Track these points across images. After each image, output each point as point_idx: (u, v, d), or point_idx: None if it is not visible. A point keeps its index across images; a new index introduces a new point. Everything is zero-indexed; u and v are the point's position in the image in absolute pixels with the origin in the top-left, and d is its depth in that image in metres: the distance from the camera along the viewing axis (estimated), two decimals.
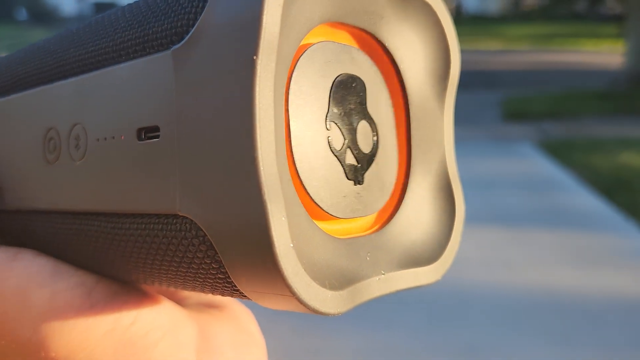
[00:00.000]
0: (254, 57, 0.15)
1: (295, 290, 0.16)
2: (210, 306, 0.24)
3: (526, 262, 1.98)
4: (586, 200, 2.63)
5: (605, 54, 9.24)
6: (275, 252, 0.15)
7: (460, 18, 18.36)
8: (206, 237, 0.17)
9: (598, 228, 2.30)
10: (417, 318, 1.62)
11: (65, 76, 0.22)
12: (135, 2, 0.21)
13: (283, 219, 0.15)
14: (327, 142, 0.18)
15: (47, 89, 0.22)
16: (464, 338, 1.55)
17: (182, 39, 0.17)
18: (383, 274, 0.19)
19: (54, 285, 0.21)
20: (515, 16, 19.80)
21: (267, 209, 0.15)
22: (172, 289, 0.24)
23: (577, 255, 2.03)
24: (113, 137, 0.19)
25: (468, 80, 6.41)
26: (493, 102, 5.25)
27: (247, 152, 0.15)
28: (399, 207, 0.21)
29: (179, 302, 0.24)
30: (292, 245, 0.15)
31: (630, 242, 2.17)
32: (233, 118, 0.15)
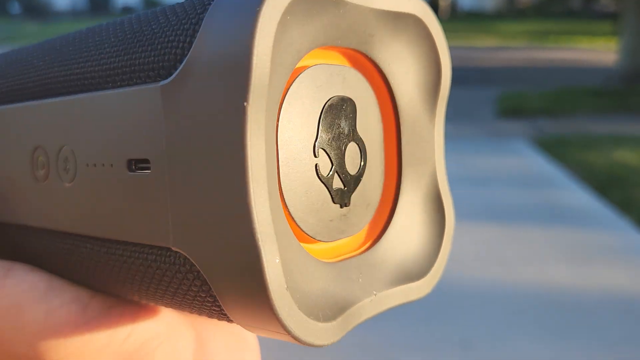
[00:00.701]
0: (244, 103, 0.15)
1: (290, 329, 0.16)
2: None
3: (520, 258, 1.99)
4: (580, 197, 2.64)
5: (599, 51, 9.27)
6: (270, 296, 0.15)
7: (456, 14, 18.37)
8: (200, 273, 0.17)
9: (592, 225, 2.31)
10: (412, 313, 1.62)
11: (50, 95, 0.21)
12: (119, 22, 0.20)
13: (277, 261, 0.15)
14: (314, 169, 0.18)
15: (32, 106, 0.22)
16: (458, 333, 1.55)
17: (170, 74, 0.17)
18: (375, 295, 0.19)
19: (48, 302, 0.21)
20: (510, 13, 19.83)
21: (261, 252, 0.15)
22: None
23: (571, 252, 2.04)
24: (103, 165, 0.19)
25: (463, 77, 6.43)
26: (488, 99, 5.26)
27: (239, 198, 0.15)
28: (389, 223, 0.21)
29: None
30: (286, 287, 0.16)
31: (623, 239, 2.18)
32: (224, 161, 0.15)
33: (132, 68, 0.18)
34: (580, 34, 12.37)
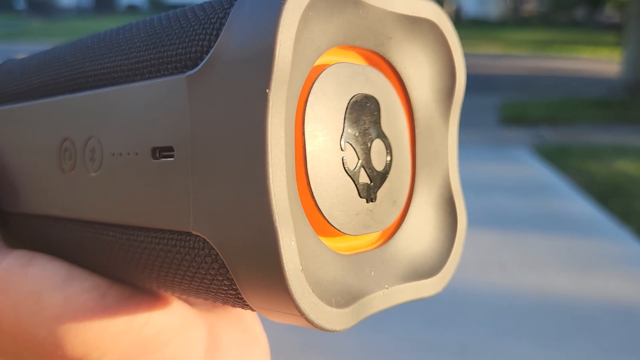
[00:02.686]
0: (267, 90, 0.15)
1: (304, 310, 0.16)
2: (216, 306, 0.25)
3: (521, 266, 1.99)
4: (581, 206, 2.63)
5: (603, 61, 9.28)
6: (285, 276, 0.16)
7: (460, 21, 18.40)
8: (218, 256, 0.17)
9: (592, 234, 2.31)
10: (412, 319, 1.62)
11: (81, 89, 0.22)
12: (150, 20, 0.21)
13: (293, 243, 0.16)
14: (341, 163, 0.18)
15: (63, 100, 0.23)
16: (457, 340, 1.55)
17: (197, 65, 0.18)
18: (387, 288, 0.19)
19: (67, 289, 0.21)
20: (514, 21, 19.85)
21: (278, 234, 0.16)
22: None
23: (571, 260, 2.04)
24: (128, 153, 0.20)
25: (466, 84, 6.41)
26: (491, 106, 5.26)
27: (259, 181, 0.16)
28: (402, 221, 0.21)
29: (188, 302, 0.25)
30: (301, 269, 0.16)
31: (623, 249, 2.17)
32: (245, 147, 0.16)
33: (160, 60, 0.19)
34: (584, 44, 12.38)
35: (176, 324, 0.22)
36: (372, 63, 0.20)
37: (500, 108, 5.14)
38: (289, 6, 0.16)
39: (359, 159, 0.19)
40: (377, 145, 0.20)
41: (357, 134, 0.19)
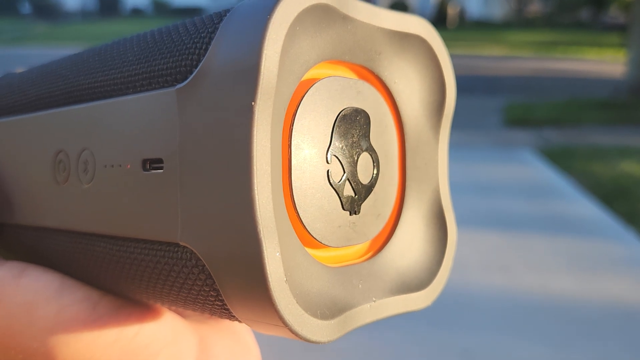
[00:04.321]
0: (252, 103, 0.16)
1: (287, 321, 0.16)
2: (209, 318, 0.25)
3: (525, 267, 1.98)
4: (586, 207, 2.63)
5: (607, 63, 9.26)
6: (269, 287, 0.16)
7: (464, 23, 18.37)
8: (205, 267, 0.17)
9: (597, 235, 2.30)
10: (415, 321, 1.62)
11: (75, 102, 0.23)
12: (143, 35, 0.22)
13: (277, 254, 0.16)
14: (326, 175, 0.19)
15: (58, 113, 0.23)
16: (461, 342, 1.55)
17: (186, 78, 0.18)
18: (374, 301, 0.20)
19: (60, 300, 0.22)
20: (518, 23, 19.82)
21: (262, 245, 0.16)
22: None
23: (576, 262, 2.04)
24: (120, 165, 0.20)
25: (470, 85, 6.42)
26: (495, 108, 5.25)
27: (244, 192, 0.16)
28: (392, 234, 0.22)
29: (181, 313, 0.25)
30: (285, 279, 0.16)
31: (628, 250, 2.17)
32: (231, 158, 0.16)
33: (152, 74, 0.19)
34: (588, 45, 12.35)
35: (167, 334, 0.22)
36: (362, 78, 0.21)
37: (504, 110, 5.13)
38: (275, 21, 0.16)
39: (344, 172, 0.19)
40: (364, 159, 0.20)
41: (344, 147, 0.19)
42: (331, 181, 0.19)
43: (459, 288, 1.78)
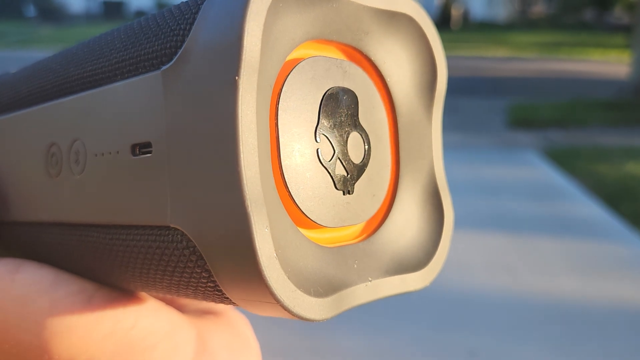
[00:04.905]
0: (236, 78, 0.16)
1: (279, 297, 0.16)
2: (208, 312, 0.25)
3: (529, 269, 1.98)
4: (590, 209, 2.62)
5: (612, 63, 9.23)
6: (259, 262, 0.16)
7: (468, 24, 18.36)
8: (196, 248, 0.17)
9: (602, 237, 2.30)
10: (420, 323, 1.62)
11: (65, 94, 0.22)
12: (130, 23, 0.21)
13: (266, 230, 0.16)
14: (316, 154, 0.18)
15: (49, 107, 0.23)
16: (466, 344, 1.55)
17: (171, 59, 0.18)
18: (370, 281, 0.19)
19: (54, 293, 0.22)
20: (522, 24, 19.79)
21: (250, 220, 0.16)
22: (169, 296, 0.24)
23: (581, 264, 2.03)
24: (110, 153, 0.20)
25: (474, 86, 6.41)
26: (499, 109, 5.24)
27: (230, 167, 0.16)
28: (387, 215, 0.21)
29: (179, 308, 0.25)
30: (275, 255, 0.16)
31: (633, 252, 2.16)
32: (217, 135, 0.16)
33: (138, 59, 0.19)
34: (592, 46, 12.32)
35: (164, 327, 0.22)
36: (351, 58, 0.21)
37: (508, 111, 5.12)
38: None
39: (334, 151, 0.19)
40: (354, 138, 0.20)
41: (332, 126, 0.19)
42: (321, 159, 0.19)
43: (463, 289, 1.78)
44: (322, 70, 0.19)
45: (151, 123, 0.18)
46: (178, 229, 0.18)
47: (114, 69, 0.20)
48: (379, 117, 0.21)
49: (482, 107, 5.30)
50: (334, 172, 0.19)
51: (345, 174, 0.19)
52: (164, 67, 0.18)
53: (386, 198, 0.21)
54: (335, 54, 0.20)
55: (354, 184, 0.20)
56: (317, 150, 0.19)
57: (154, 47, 0.19)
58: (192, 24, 0.18)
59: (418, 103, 0.22)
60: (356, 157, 0.20)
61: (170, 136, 0.18)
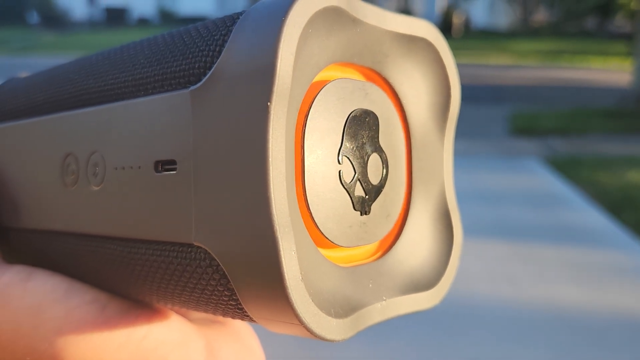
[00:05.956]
0: (268, 103, 0.16)
1: (304, 319, 0.17)
2: (214, 321, 0.25)
3: (531, 277, 1.97)
4: (592, 217, 2.61)
5: (613, 71, 9.24)
6: (286, 285, 0.16)
7: (469, 32, 18.41)
8: (219, 267, 0.18)
9: (604, 245, 2.29)
10: (421, 331, 1.61)
11: (84, 105, 0.23)
12: (153, 38, 0.22)
13: (293, 253, 0.16)
14: (338, 176, 0.19)
15: (67, 116, 0.23)
16: (467, 353, 1.54)
17: (200, 80, 0.18)
18: (384, 300, 0.20)
19: (68, 302, 0.22)
20: (524, 31, 19.84)
21: (279, 244, 0.16)
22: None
23: (583, 272, 2.02)
24: (131, 167, 0.20)
25: (476, 95, 6.42)
26: (500, 117, 5.25)
27: (260, 190, 0.16)
28: (400, 234, 0.22)
29: (185, 316, 0.25)
30: (301, 277, 0.16)
31: (635, 260, 2.15)
32: (247, 158, 0.16)
33: (164, 76, 0.20)
34: (594, 54, 12.34)
35: (175, 337, 0.22)
36: (369, 79, 0.21)
37: (510, 119, 5.12)
38: (289, 23, 0.16)
39: (355, 173, 0.19)
40: (374, 160, 0.20)
41: (354, 148, 0.19)
42: (343, 181, 0.19)
43: (465, 298, 1.77)
44: (346, 92, 0.19)
45: (177, 141, 0.18)
46: (202, 247, 0.18)
47: (137, 84, 0.21)
48: (397, 138, 0.21)
49: (483, 115, 5.30)
50: (354, 193, 0.19)
51: (364, 195, 0.20)
52: (193, 87, 0.18)
53: (399, 217, 0.22)
54: (356, 75, 0.21)
55: (371, 204, 0.20)
56: (340, 171, 0.19)
57: (181, 66, 0.19)
58: (222, 45, 0.18)
59: (431, 125, 0.23)
60: (375, 178, 0.20)
61: (197, 156, 0.18)
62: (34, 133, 0.25)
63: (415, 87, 0.22)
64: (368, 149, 0.20)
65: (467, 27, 18.79)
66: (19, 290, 0.22)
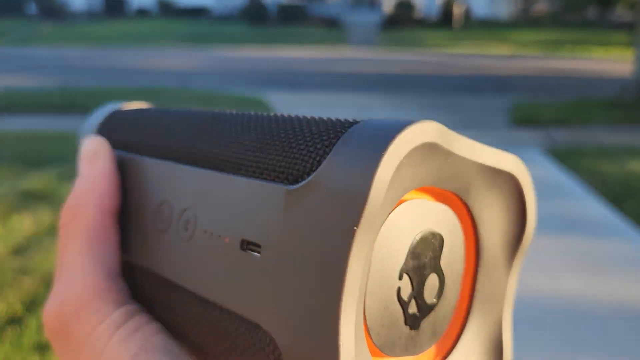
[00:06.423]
0: (355, 228, 0.17)
1: None
2: None
3: (533, 268, 1.97)
4: (594, 207, 2.61)
5: (614, 61, 9.22)
6: None
7: (470, 22, 18.34)
8: (281, 357, 0.19)
9: (605, 236, 2.29)
10: None
11: (188, 162, 0.25)
12: (261, 120, 0.24)
13: None
14: (396, 291, 0.19)
15: (169, 165, 0.25)
16: None
17: (297, 182, 0.19)
18: None
19: None
20: (525, 22, 19.77)
21: (340, 355, 0.17)
22: None
23: (585, 263, 2.02)
24: (219, 236, 0.22)
25: (477, 85, 6.40)
26: (502, 108, 5.23)
27: (332, 309, 0.17)
28: (448, 353, 0.22)
29: None
30: None
31: (637, 250, 2.15)
32: (327, 273, 0.17)
33: (265, 165, 0.21)
34: (595, 44, 12.31)
35: None
36: (446, 200, 0.21)
37: (511, 109, 5.11)
38: (388, 156, 0.17)
39: (412, 290, 0.20)
40: (432, 280, 0.21)
41: (416, 266, 0.20)
42: (400, 298, 0.20)
43: None
44: (420, 212, 0.20)
45: (266, 229, 0.20)
46: (269, 333, 0.19)
47: (239, 162, 0.22)
48: (458, 261, 0.22)
49: (485, 106, 5.29)
50: (408, 310, 0.20)
51: (417, 313, 0.20)
52: (290, 187, 0.19)
53: (452, 335, 0.22)
54: (435, 196, 0.21)
55: (422, 321, 0.20)
56: (399, 288, 0.19)
57: (281, 162, 0.20)
58: (322, 157, 0.19)
59: (501, 253, 0.23)
60: (430, 297, 0.21)
61: (282, 250, 0.19)
62: (139, 170, 0.27)
63: (493, 214, 0.22)
64: (429, 269, 0.20)
65: (468, 18, 18.72)
66: (119, 345, 0.23)
